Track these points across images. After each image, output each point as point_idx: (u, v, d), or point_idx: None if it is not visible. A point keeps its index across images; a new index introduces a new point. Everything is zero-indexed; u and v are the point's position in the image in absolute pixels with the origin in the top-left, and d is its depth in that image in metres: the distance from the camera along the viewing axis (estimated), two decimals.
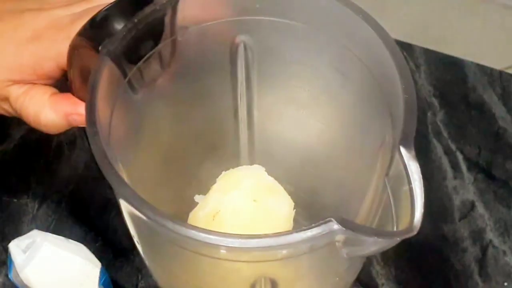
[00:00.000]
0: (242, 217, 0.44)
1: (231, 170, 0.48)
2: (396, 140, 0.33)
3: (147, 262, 0.45)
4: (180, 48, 0.43)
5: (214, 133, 0.50)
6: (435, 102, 0.63)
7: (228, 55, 0.45)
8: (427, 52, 0.67)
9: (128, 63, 0.39)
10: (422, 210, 0.31)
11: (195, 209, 0.47)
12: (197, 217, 0.46)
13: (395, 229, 0.33)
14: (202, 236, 0.31)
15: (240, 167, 0.49)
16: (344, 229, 0.30)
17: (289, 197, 0.46)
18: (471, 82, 0.65)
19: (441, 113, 0.62)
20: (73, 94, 0.42)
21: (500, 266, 0.52)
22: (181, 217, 0.46)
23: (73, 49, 0.40)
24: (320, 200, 0.50)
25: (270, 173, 0.47)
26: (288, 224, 0.45)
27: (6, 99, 0.43)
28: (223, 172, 0.48)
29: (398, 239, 0.31)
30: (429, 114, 0.62)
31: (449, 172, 0.58)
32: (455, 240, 0.54)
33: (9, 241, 0.45)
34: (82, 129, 0.36)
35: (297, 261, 0.36)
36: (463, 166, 0.59)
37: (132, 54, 0.39)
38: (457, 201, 0.56)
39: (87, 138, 0.35)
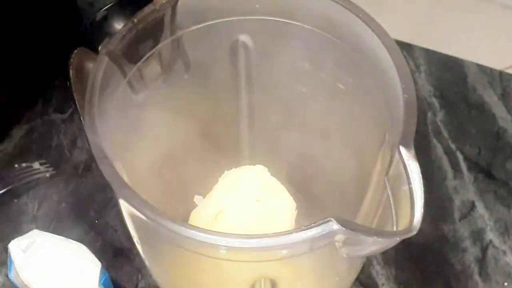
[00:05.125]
0: (244, 216, 0.45)
1: (234, 169, 0.48)
2: (396, 140, 0.33)
3: (147, 262, 0.45)
4: (180, 48, 0.43)
5: (215, 133, 0.50)
6: (435, 102, 0.63)
7: (228, 55, 0.45)
8: (427, 52, 0.67)
9: (128, 63, 0.39)
10: (422, 210, 0.31)
11: (197, 208, 0.47)
12: (199, 216, 0.46)
13: (395, 229, 0.33)
14: (202, 236, 0.31)
15: (243, 167, 0.49)
16: (344, 229, 0.30)
17: (291, 197, 0.46)
18: (471, 82, 0.65)
19: (441, 113, 0.62)
20: (73, 94, 0.42)
21: (500, 266, 0.52)
22: (182, 217, 0.46)
23: (73, 49, 0.40)
24: (320, 200, 0.50)
25: (270, 173, 0.48)
26: (290, 225, 0.45)
27: None
28: (226, 172, 0.48)
29: (398, 239, 0.31)
30: (429, 114, 0.62)
31: (449, 172, 0.58)
32: (455, 240, 0.54)
33: (9, 241, 0.45)
34: (82, 129, 0.36)
35: (297, 261, 0.36)
36: (463, 166, 0.59)
37: (131, 54, 0.39)
38: (457, 201, 0.56)
39: (87, 138, 0.35)
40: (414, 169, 0.32)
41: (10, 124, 0.61)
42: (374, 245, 0.32)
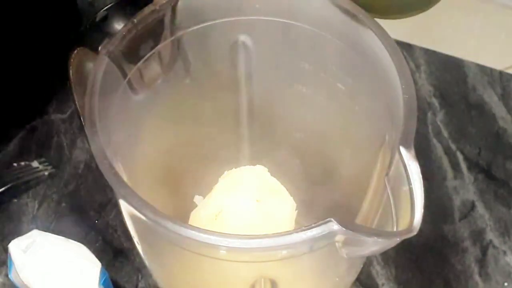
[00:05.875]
0: (244, 217, 0.45)
1: (234, 170, 0.48)
2: (396, 140, 0.33)
3: (147, 262, 0.45)
4: (180, 48, 0.43)
5: (215, 132, 0.50)
6: (435, 102, 0.63)
7: (228, 55, 0.45)
8: (427, 52, 0.67)
9: (128, 63, 0.39)
10: (422, 211, 0.31)
11: (197, 208, 0.47)
12: (199, 216, 0.46)
13: (395, 230, 0.33)
14: (202, 236, 0.31)
15: (243, 167, 0.49)
16: (344, 229, 0.30)
17: (292, 198, 0.46)
18: (471, 82, 0.65)
19: (441, 113, 0.62)
20: (73, 94, 0.42)
21: (500, 266, 0.52)
22: (182, 217, 0.46)
23: (73, 49, 0.40)
24: (320, 200, 0.50)
25: (270, 173, 0.47)
26: (290, 225, 0.45)
27: None
28: (226, 172, 0.48)
29: (398, 240, 0.31)
30: (429, 114, 0.62)
31: (449, 172, 0.58)
32: (455, 240, 0.54)
33: (9, 241, 0.45)
34: (82, 129, 0.36)
35: (297, 261, 0.36)
36: (463, 166, 0.59)
37: (131, 55, 0.39)
38: (457, 201, 0.56)
39: (87, 138, 0.35)
40: (414, 169, 0.32)
41: (10, 124, 0.61)
42: (374, 246, 0.32)
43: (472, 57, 0.66)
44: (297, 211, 0.46)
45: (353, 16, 0.39)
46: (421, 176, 0.32)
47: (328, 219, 0.31)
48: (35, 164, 0.58)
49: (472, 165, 0.59)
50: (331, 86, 0.44)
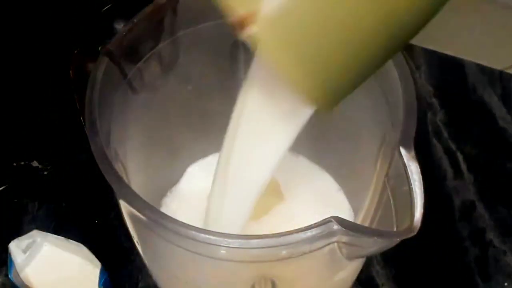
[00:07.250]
0: None
1: None
2: (396, 140, 0.33)
3: (147, 262, 0.45)
4: (180, 48, 0.43)
5: (215, 133, 0.50)
6: (435, 102, 0.63)
7: (228, 55, 0.45)
8: (427, 52, 0.67)
9: (128, 63, 0.39)
10: (422, 211, 0.31)
11: None
12: None
13: (395, 230, 0.33)
14: (202, 236, 0.31)
15: None
16: (343, 229, 0.30)
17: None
18: (471, 82, 0.65)
19: (441, 113, 0.62)
20: (74, 94, 0.42)
21: (500, 266, 0.52)
22: None
23: (74, 49, 0.40)
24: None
25: None
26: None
27: None
28: None
29: (398, 240, 0.31)
30: (429, 114, 0.62)
31: (449, 172, 0.58)
32: (455, 240, 0.54)
33: (9, 241, 0.45)
34: (82, 129, 0.36)
35: (297, 261, 0.36)
36: (463, 166, 0.59)
37: (132, 54, 0.39)
38: (457, 201, 0.56)
39: (87, 138, 0.35)
40: (414, 169, 0.32)
41: (11, 126, 0.61)
42: (374, 246, 0.32)
43: (472, 57, 0.66)
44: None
45: None
46: (421, 176, 0.32)
47: (328, 219, 0.31)
48: (35, 164, 0.58)
49: (472, 165, 0.59)
50: None
